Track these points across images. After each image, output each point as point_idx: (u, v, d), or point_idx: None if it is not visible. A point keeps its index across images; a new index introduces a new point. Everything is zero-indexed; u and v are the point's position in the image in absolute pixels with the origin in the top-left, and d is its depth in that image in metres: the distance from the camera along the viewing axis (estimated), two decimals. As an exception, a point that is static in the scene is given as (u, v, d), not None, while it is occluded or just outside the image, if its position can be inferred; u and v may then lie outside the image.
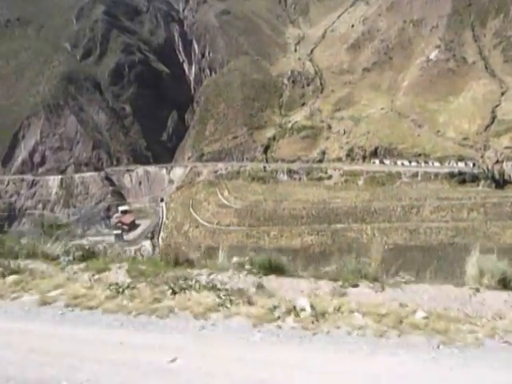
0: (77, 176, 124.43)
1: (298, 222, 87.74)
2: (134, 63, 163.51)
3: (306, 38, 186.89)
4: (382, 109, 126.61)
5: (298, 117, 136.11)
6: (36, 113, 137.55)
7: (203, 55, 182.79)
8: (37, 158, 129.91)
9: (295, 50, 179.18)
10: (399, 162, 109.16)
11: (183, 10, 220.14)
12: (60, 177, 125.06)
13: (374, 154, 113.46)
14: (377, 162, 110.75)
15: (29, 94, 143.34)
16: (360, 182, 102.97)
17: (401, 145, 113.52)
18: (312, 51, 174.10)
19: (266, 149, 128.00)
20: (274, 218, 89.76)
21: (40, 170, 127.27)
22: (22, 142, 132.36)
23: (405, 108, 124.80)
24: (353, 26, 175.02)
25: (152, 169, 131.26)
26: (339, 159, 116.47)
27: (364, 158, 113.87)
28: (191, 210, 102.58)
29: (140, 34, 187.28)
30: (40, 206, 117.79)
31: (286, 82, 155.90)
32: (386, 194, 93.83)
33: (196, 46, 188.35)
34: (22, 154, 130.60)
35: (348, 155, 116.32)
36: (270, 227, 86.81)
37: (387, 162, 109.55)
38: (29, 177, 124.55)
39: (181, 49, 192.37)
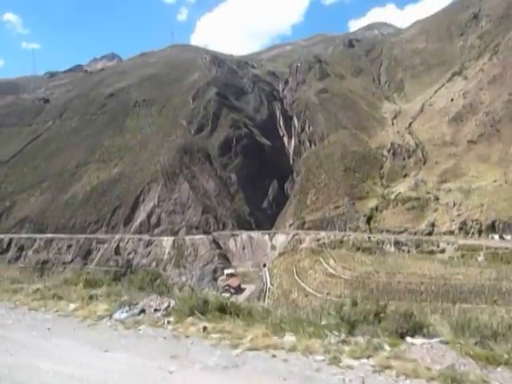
0: (188, 238, 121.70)
1: (416, 297, 74.71)
2: (241, 137, 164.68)
3: (403, 112, 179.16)
4: (495, 181, 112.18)
5: (402, 188, 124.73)
6: (155, 179, 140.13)
7: (303, 129, 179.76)
8: (153, 220, 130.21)
9: (392, 124, 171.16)
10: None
11: (283, 90, 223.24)
12: (173, 238, 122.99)
13: (492, 227, 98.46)
14: (496, 236, 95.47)
15: (150, 163, 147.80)
16: (480, 258, 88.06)
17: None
18: (410, 124, 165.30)
19: (369, 219, 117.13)
20: (389, 291, 77.55)
21: (155, 230, 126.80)
22: (141, 204, 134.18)
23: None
24: (452, 99, 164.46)
25: (255, 234, 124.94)
26: (451, 232, 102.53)
27: (480, 231, 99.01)
28: (296, 278, 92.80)
29: (246, 111, 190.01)
30: (154, 264, 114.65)
31: (385, 153, 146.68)
32: (516, 273, 78.37)
33: (296, 121, 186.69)
34: (141, 216, 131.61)
35: (461, 228, 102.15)
36: (386, 301, 74.10)
37: (508, 237, 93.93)
38: (146, 237, 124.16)
39: (281, 124, 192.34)
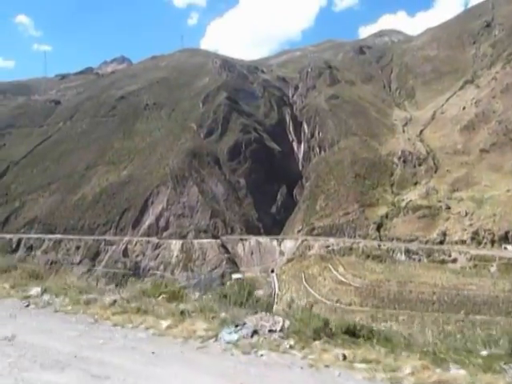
0: (196, 242, 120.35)
1: (428, 307, 73.29)
2: (250, 141, 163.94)
3: (414, 119, 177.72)
4: (508, 191, 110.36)
5: (412, 196, 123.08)
6: (164, 182, 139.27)
7: (312, 135, 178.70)
8: (162, 223, 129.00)
9: (403, 131, 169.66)
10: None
11: (293, 96, 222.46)
12: (181, 241, 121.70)
13: (505, 238, 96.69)
14: (509, 247, 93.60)
15: (159, 166, 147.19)
16: (493, 269, 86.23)
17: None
18: (421, 132, 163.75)
19: (379, 226, 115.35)
20: (401, 300, 76.16)
21: (164, 233, 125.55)
22: (150, 207, 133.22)
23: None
24: (464, 108, 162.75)
25: (263, 239, 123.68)
26: (463, 242, 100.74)
27: (493, 242, 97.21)
28: (305, 284, 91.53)
29: (256, 116, 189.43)
30: (162, 267, 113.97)
31: (396, 161, 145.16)
32: (530, 285, 76.70)
33: (306, 127, 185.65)
34: (149, 219, 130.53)
35: (473, 238, 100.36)
36: (397, 311, 73.13)
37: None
38: (154, 239, 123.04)
39: (291, 129, 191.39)
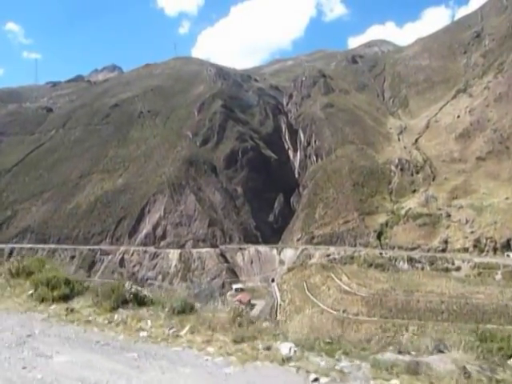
0: (194, 251, 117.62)
1: (437, 317, 71.33)
2: (246, 150, 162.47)
3: (409, 128, 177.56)
4: (507, 198, 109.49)
5: (412, 204, 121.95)
6: (161, 191, 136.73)
7: (309, 143, 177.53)
8: (159, 232, 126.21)
9: (398, 139, 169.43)
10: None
11: (287, 104, 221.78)
12: (179, 251, 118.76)
13: (507, 246, 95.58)
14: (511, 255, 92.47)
15: (156, 174, 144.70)
16: (498, 277, 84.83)
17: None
18: (417, 140, 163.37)
19: (379, 235, 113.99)
20: (409, 310, 74.12)
21: (161, 243, 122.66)
22: (147, 216, 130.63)
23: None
24: (458, 116, 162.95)
25: (263, 248, 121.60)
26: (465, 249, 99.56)
27: (495, 249, 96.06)
28: (309, 294, 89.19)
29: (251, 124, 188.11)
30: (160, 277, 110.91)
31: (393, 169, 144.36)
32: (537, 293, 75.25)
33: (302, 135, 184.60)
34: (146, 228, 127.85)
35: (475, 246, 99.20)
36: (406, 321, 71.00)
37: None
38: (151, 249, 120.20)
39: (287, 137, 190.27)
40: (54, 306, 9.52)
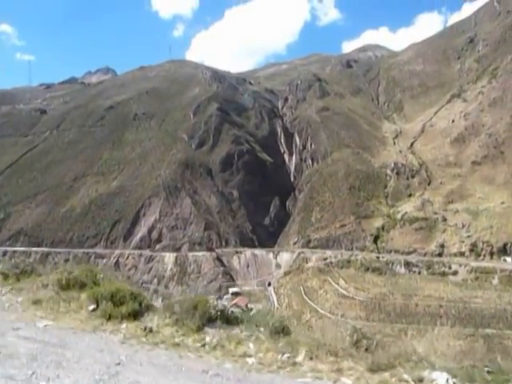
0: (190, 254, 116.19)
1: (436, 321, 71.08)
2: (242, 153, 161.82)
3: (404, 132, 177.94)
4: (503, 203, 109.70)
5: (408, 208, 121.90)
6: (157, 194, 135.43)
7: (304, 147, 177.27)
8: (154, 235, 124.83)
9: (394, 144, 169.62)
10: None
11: (282, 108, 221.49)
12: (175, 254, 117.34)
13: (503, 250, 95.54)
14: (508, 259, 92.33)
15: (151, 176, 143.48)
16: (495, 281, 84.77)
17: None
18: (412, 145, 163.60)
19: (376, 238, 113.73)
20: (407, 314, 73.87)
21: (157, 246, 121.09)
22: (142, 219, 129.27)
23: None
24: (453, 121, 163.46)
25: (259, 252, 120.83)
26: (462, 254, 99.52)
27: (491, 254, 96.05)
28: (306, 298, 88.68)
29: (247, 127, 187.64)
30: (155, 280, 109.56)
31: (389, 173, 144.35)
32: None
33: (297, 139, 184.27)
34: (141, 231, 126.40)
35: (472, 250, 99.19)
36: (406, 325, 70.72)
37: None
38: (147, 252, 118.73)
39: (282, 141, 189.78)
40: (125, 325, 8.47)
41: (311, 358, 7.01)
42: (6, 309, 9.32)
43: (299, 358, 7.08)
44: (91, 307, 9.22)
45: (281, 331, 8.21)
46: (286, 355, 7.17)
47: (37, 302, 9.60)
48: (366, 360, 6.60)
